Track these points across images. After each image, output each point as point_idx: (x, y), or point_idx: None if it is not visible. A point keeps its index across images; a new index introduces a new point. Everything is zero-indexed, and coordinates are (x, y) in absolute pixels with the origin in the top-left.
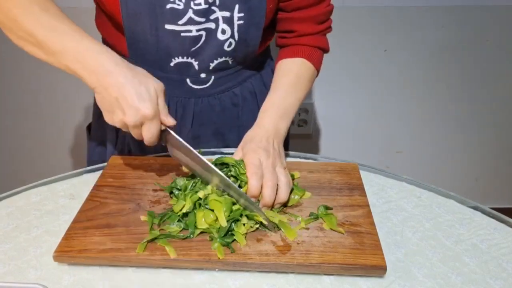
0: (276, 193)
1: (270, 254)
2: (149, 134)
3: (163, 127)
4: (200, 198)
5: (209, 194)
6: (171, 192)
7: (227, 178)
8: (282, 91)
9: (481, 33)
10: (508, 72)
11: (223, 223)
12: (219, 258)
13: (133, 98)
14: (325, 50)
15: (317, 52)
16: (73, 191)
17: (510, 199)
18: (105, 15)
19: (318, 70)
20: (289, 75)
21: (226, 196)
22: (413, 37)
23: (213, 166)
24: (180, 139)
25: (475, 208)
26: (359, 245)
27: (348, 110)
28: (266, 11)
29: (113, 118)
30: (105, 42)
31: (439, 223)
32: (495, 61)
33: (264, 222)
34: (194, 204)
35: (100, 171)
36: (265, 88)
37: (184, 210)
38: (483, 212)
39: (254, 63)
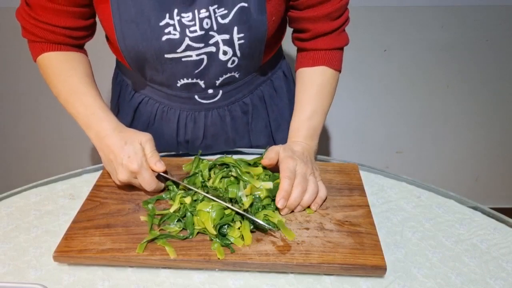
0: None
1: (270, 254)
2: (144, 183)
3: (156, 174)
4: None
5: (196, 200)
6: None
7: (228, 204)
8: (308, 110)
9: (481, 33)
10: (508, 72)
11: (212, 231)
12: (219, 258)
13: (120, 157)
14: (345, 45)
15: (337, 54)
16: (73, 191)
17: (510, 199)
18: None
19: (339, 71)
20: (312, 89)
21: (215, 202)
22: (413, 37)
23: (209, 196)
24: (177, 180)
25: (475, 208)
26: (359, 245)
27: (348, 110)
28: (267, 26)
29: (114, 179)
30: (118, 63)
31: (439, 223)
32: (494, 61)
33: (264, 227)
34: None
35: (100, 171)
36: (276, 92)
37: (172, 210)
38: (483, 212)
39: (263, 70)
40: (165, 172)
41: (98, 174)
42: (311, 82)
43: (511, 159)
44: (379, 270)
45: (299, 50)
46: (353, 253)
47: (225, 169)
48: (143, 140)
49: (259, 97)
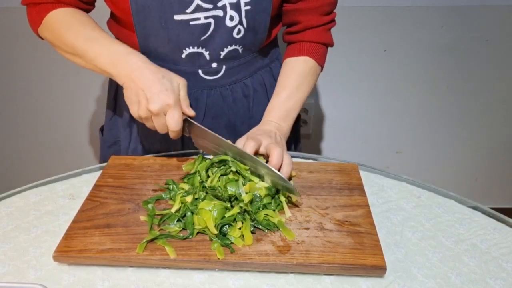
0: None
1: (270, 254)
2: (173, 122)
3: (184, 117)
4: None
5: (197, 198)
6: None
7: (254, 157)
8: (285, 93)
9: (481, 33)
10: (508, 72)
11: (213, 230)
12: (218, 258)
13: (157, 87)
14: (330, 45)
15: (321, 48)
16: (72, 191)
17: (510, 199)
18: (115, 14)
19: (322, 66)
20: (293, 75)
21: (217, 201)
22: (413, 37)
23: (239, 147)
24: (202, 127)
25: (475, 208)
26: (359, 245)
27: (348, 110)
28: None
29: (138, 109)
30: None
31: (439, 223)
32: (494, 61)
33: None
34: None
35: (100, 171)
36: (275, 81)
37: (173, 210)
38: (483, 212)
39: (263, 53)
40: (192, 118)
41: (98, 174)
42: (292, 69)
43: (511, 159)
44: (379, 270)
45: (288, 44)
46: (353, 253)
47: (222, 166)
48: (180, 83)
49: (259, 83)
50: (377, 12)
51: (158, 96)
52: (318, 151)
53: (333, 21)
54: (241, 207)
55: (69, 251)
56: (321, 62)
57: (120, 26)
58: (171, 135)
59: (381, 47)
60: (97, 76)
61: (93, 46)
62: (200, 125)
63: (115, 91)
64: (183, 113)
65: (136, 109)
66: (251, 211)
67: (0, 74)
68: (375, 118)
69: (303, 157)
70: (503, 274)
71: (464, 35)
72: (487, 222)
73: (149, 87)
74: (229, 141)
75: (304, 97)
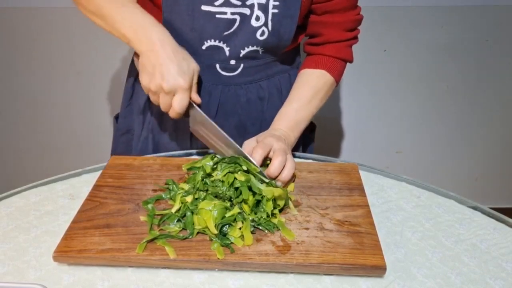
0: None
1: (269, 254)
2: (179, 105)
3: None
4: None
5: (197, 198)
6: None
7: (243, 151)
8: (296, 104)
9: (481, 33)
10: (508, 72)
11: (213, 230)
12: (218, 259)
13: (175, 68)
14: (349, 61)
15: (339, 64)
16: (72, 191)
17: (510, 199)
18: None
19: (337, 81)
20: (306, 87)
21: (217, 201)
22: (413, 37)
23: (231, 140)
24: (204, 114)
25: (475, 208)
26: (359, 245)
27: (348, 110)
28: (301, 3)
29: (150, 80)
30: None
31: (438, 223)
32: (494, 61)
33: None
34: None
35: (100, 171)
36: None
37: (173, 211)
38: (483, 212)
39: (284, 58)
40: (199, 105)
41: (97, 174)
42: (307, 82)
43: (511, 159)
44: (379, 270)
45: (307, 55)
46: (353, 253)
47: (233, 164)
48: (195, 69)
49: (276, 87)
50: (377, 12)
51: (174, 76)
52: (318, 151)
53: (355, 38)
54: (241, 208)
55: (69, 251)
56: (337, 78)
57: (147, 8)
58: (172, 115)
59: (381, 47)
60: (97, 76)
61: (119, 10)
62: (202, 113)
63: (135, 78)
64: (190, 98)
65: (148, 81)
66: (254, 211)
67: (0, 74)
68: (375, 118)
69: (303, 157)
70: (503, 274)
71: (464, 35)
72: (487, 222)
73: (167, 65)
74: (226, 134)
75: (315, 110)
